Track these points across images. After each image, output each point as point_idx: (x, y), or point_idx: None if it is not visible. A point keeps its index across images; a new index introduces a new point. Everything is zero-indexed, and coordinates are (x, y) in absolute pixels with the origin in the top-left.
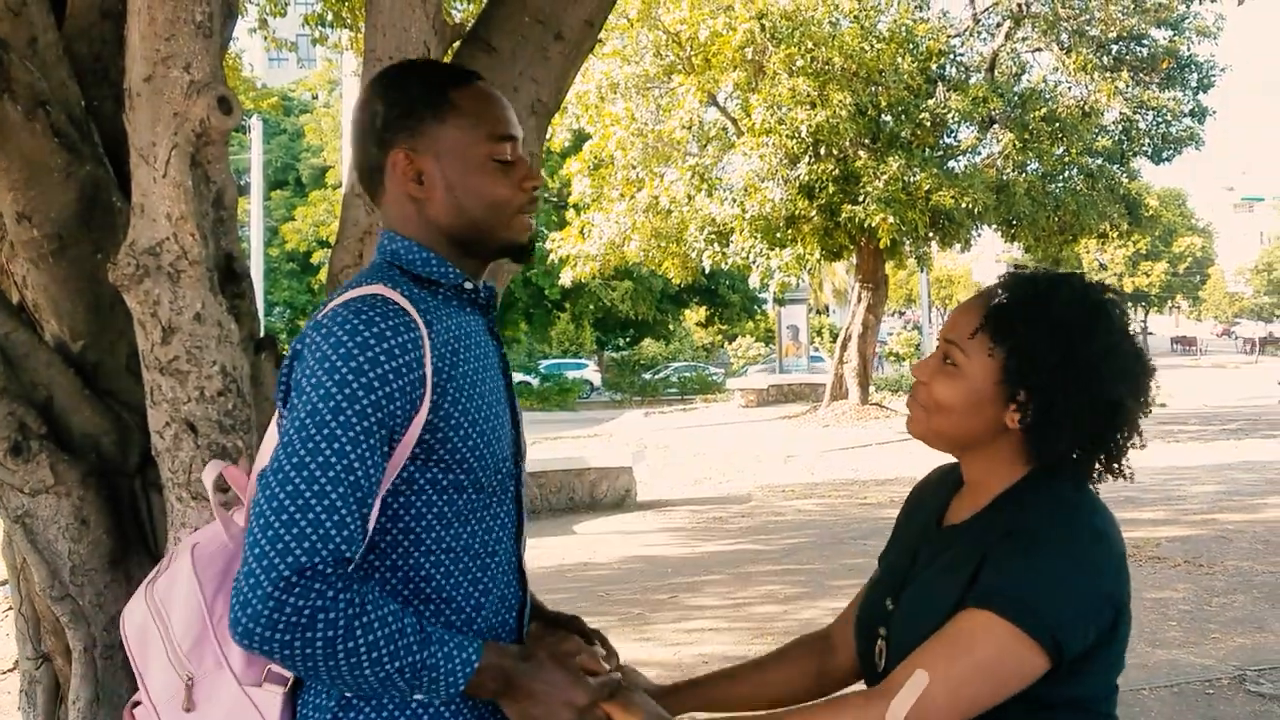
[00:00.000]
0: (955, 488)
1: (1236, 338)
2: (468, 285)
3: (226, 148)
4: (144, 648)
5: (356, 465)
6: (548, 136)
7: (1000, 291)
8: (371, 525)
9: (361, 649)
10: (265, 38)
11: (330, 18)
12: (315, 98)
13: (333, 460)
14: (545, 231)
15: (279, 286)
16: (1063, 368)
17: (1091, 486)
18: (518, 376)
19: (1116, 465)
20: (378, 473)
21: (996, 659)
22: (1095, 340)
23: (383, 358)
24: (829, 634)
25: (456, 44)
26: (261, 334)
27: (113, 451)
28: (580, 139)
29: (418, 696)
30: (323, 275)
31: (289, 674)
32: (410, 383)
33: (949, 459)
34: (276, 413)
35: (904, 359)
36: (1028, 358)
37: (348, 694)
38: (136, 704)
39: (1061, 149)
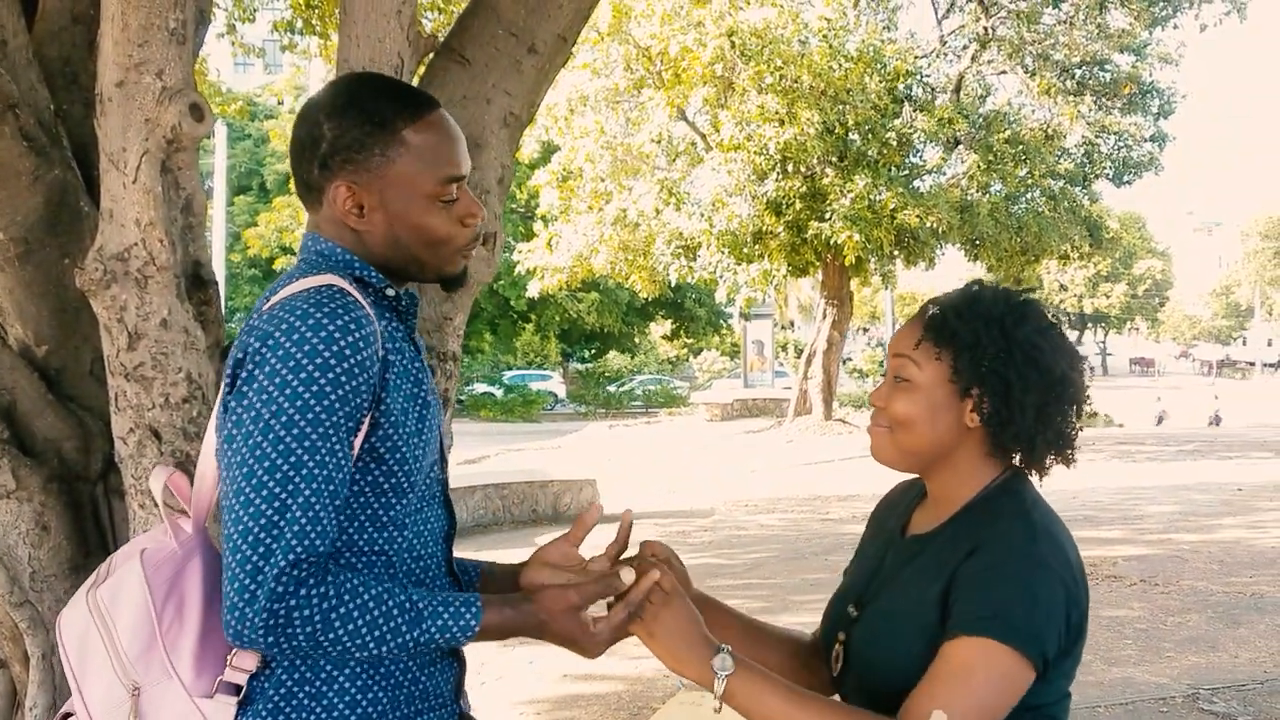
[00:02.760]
0: (919, 498)
1: (1194, 360)
2: (389, 292)
3: (197, 154)
4: (83, 655)
5: (328, 460)
6: (516, 147)
7: (931, 305)
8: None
9: (344, 638)
10: (233, 43)
11: (300, 25)
12: (281, 103)
13: (305, 459)
14: (512, 243)
15: (241, 292)
16: (1006, 351)
17: (1042, 495)
18: (481, 387)
19: (1070, 451)
20: (347, 464)
21: (1001, 685)
22: (1028, 323)
23: (348, 351)
24: (814, 642)
25: (430, 56)
26: (227, 341)
27: (75, 457)
28: (549, 151)
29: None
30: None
31: (242, 684)
32: (371, 376)
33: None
34: (218, 404)
35: (868, 375)
36: (972, 349)
37: (284, 709)
38: (67, 715)
39: (1024, 171)
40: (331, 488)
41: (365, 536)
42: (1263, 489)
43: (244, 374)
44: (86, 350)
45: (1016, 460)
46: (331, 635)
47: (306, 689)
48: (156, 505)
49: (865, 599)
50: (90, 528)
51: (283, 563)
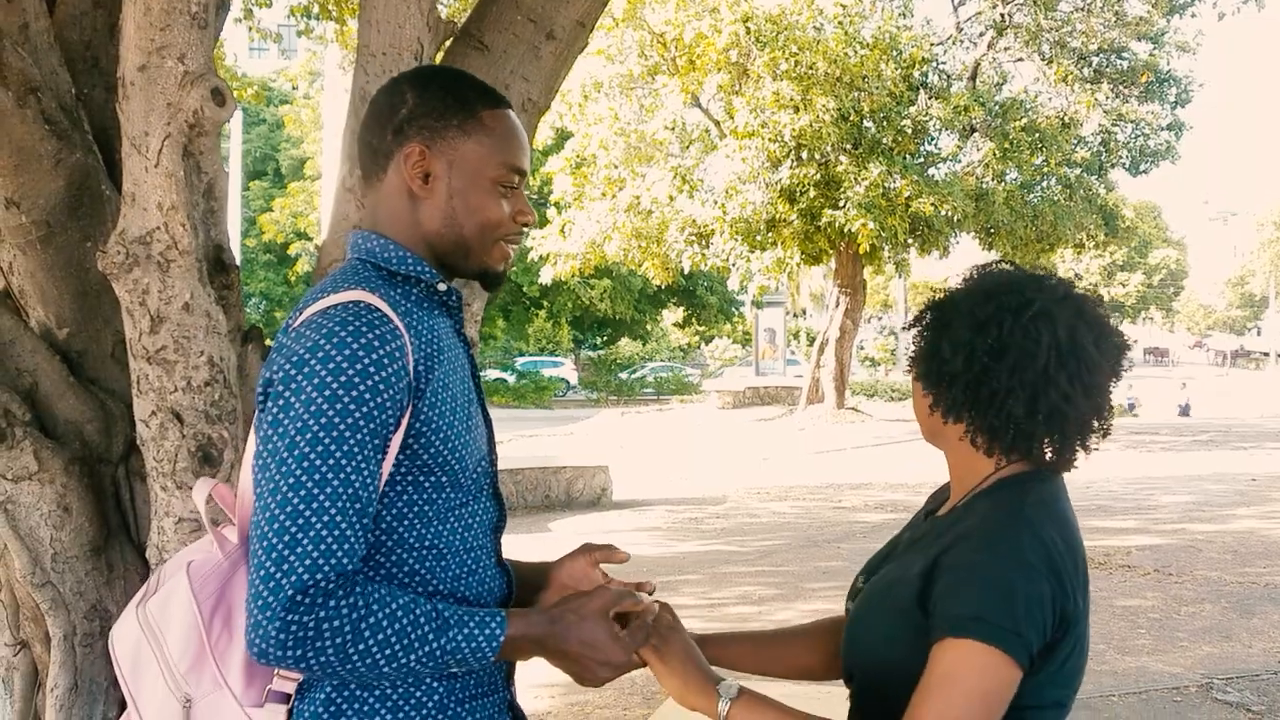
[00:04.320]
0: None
1: (1208, 350)
2: (441, 286)
3: (219, 139)
4: (137, 669)
5: (354, 478)
6: None
7: (914, 324)
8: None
9: (374, 649)
10: (249, 28)
11: (316, 10)
12: (296, 88)
13: (329, 476)
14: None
15: (255, 278)
16: (972, 351)
17: (1055, 489)
18: (493, 374)
19: (1087, 437)
20: (374, 482)
21: (990, 687)
22: (989, 332)
23: (372, 369)
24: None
25: (449, 41)
26: (247, 325)
27: (97, 439)
28: (563, 137)
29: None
30: (300, 267)
31: (290, 692)
32: (399, 390)
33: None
34: (255, 421)
35: (880, 364)
36: (949, 384)
37: (337, 702)
38: None
39: (1040, 159)
40: (358, 505)
41: (415, 533)
42: (1277, 479)
43: (272, 392)
44: (108, 333)
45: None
46: (361, 647)
47: (357, 682)
48: (190, 488)
49: (874, 572)
50: (112, 510)
51: (307, 578)
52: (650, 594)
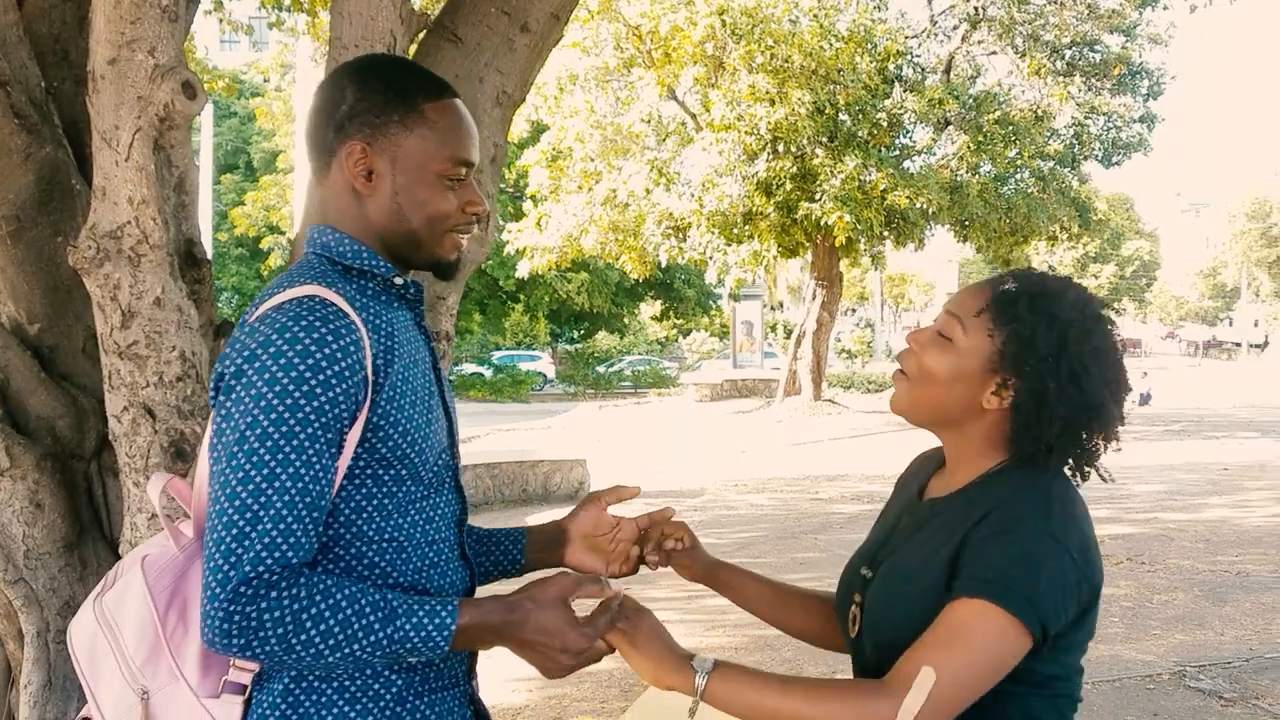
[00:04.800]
0: (939, 465)
1: (1181, 341)
2: (398, 280)
3: (189, 132)
4: (94, 662)
5: (304, 472)
6: None
7: (1010, 280)
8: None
9: (315, 639)
10: (220, 20)
11: (288, 2)
12: (268, 81)
13: (278, 471)
14: (501, 223)
15: (228, 272)
16: (1057, 360)
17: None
18: (470, 368)
19: (1088, 467)
20: (326, 476)
21: (995, 647)
22: (1090, 341)
23: (324, 363)
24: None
25: (422, 33)
26: (219, 321)
27: (69, 435)
28: (539, 130)
29: (411, 659)
30: (272, 261)
31: (246, 683)
32: (353, 385)
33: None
34: (212, 415)
35: (857, 356)
36: (1026, 344)
37: (295, 693)
38: None
39: (1014, 151)
40: (308, 499)
41: (374, 526)
42: (1249, 469)
43: (225, 388)
44: (79, 328)
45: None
46: (304, 637)
47: (316, 673)
48: (156, 512)
49: (878, 560)
50: (84, 506)
51: (250, 572)
52: (616, 601)
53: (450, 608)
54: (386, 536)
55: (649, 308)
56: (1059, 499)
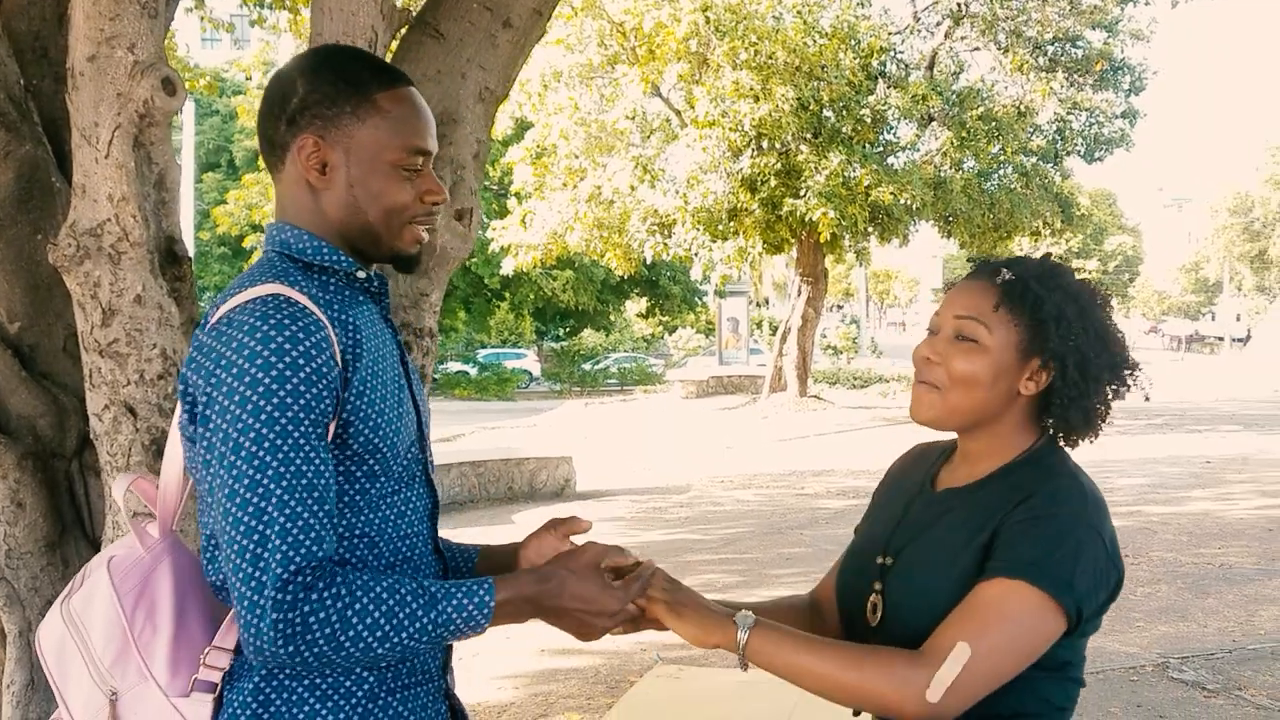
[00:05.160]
0: (940, 458)
1: (1164, 335)
2: (360, 274)
3: (170, 129)
4: (63, 665)
5: (305, 468)
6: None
7: (1002, 270)
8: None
9: (364, 633)
10: (201, 17)
11: None
12: (249, 79)
13: (281, 470)
14: (486, 220)
15: (210, 271)
16: (1084, 330)
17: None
18: (455, 366)
19: (1100, 425)
20: (326, 469)
21: (1030, 627)
22: (1101, 309)
23: (301, 361)
24: (815, 601)
25: (403, 29)
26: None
27: (50, 434)
28: (523, 127)
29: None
30: (255, 259)
31: (217, 681)
32: (332, 380)
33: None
34: (177, 417)
35: (842, 352)
36: (1056, 320)
37: (265, 691)
38: None
39: (997, 147)
40: (315, 494)
41: (345, 522)
42: (1231, 461)
43: (203, 399)
44: (60, 327)
45: (1053, 430)
46: (351, 633)
47: (287, 671)
48: (145, 480)
49: (894, 548)
50: (66, 505)
51: (282, 574)
52: (648, 571)
53: (487, 585)
54: (358, 533)
55: (634, 305)
56: (1091, 488)
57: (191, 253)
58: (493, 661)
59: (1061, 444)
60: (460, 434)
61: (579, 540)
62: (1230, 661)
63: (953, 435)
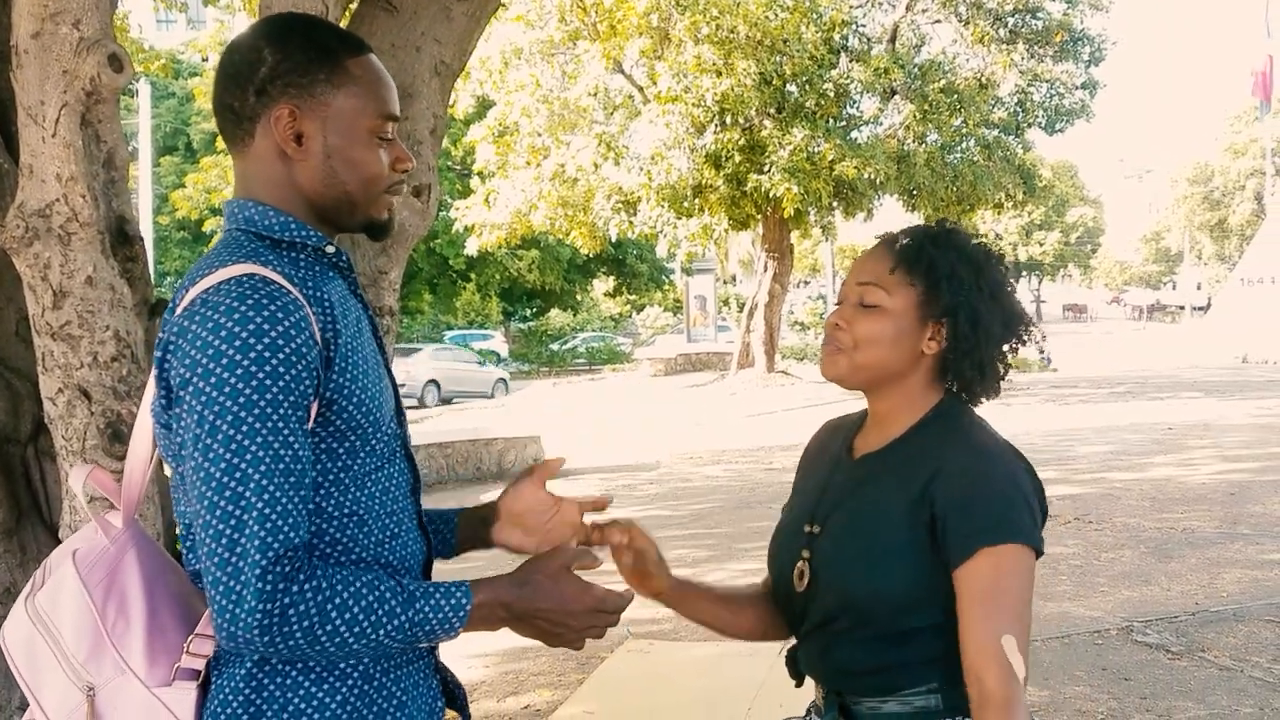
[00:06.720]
0: (854, 428)
1: (1126, 305)
2: (329, 249)
3: (118, 106)
4: (34, 664)
5: (283, 452)
6: (450, 102)
7: (901, 236)
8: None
9: (341, 628)
10: None
11: None
12: (205, 60)
13: (260, 454)
14: (449, 200)
15: (170, 255)
16: (978, 284)
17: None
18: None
19: (998, 384)
20: (305, 453)
21: (1027, 579)
22: (993, 262)
23: (281, 342)
24: (768, 583)
25: (355, 3)
26: (154, 299)
27: (3, 420)
28: (484, 106)
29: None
30: (216, 241)
31: (200, 669)
32: (312, 360)
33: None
34: (149, 399)
35: (809, 328)
36: (949, 279)
37: (259, 676)
38: None
39: (959, 120)
40: (292, 478)
41: (333, 501)
42: (1193, 428)
43: (178, 382)
44: (11, 310)
45: (954, 388)
46: (329, 627)
47: (274, 659)
48: (100, 465)
49: (820, 516)
50: (22, 491)
51: (261, 560)
52: (605, 508)
53: (464, 588)
54: (346, 511)
55: (602, 284)
56: (994, 436)
57: (151, 237)
58: (463, 641)
59: (966, 401)
60: (427, 415)
61: (553, 487)
62: (1193, 624)
63: (862, 406)
